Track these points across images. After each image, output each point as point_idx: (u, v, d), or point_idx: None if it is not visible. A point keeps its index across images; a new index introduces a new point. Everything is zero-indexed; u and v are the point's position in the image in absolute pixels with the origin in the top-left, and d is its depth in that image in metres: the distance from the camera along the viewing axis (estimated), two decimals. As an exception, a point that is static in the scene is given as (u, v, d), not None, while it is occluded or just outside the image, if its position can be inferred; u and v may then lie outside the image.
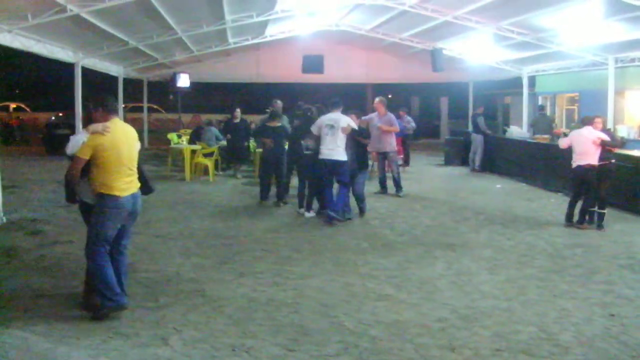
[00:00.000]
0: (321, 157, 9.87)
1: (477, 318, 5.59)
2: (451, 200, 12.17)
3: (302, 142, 10.55)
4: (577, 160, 9.50)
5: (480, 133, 17.24)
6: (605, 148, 9.38)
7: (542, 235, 9.06)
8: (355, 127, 9.97)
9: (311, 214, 10.39)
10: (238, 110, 15.25)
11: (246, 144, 15.42)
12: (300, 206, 10.59)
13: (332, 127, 9.76)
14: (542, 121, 17.48)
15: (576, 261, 7.64)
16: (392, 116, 12.60)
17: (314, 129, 10.02)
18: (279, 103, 13.48)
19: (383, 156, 12.82)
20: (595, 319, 5.57)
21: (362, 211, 10.40)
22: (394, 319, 5.55)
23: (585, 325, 5.43)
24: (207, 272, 7.01)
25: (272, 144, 11.20)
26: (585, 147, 9.40)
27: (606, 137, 9.36)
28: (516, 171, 15.57)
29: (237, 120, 15.19)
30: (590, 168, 9.35)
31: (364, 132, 10.47)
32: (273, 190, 11.72)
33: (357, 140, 10.09)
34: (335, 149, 9.78)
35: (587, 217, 9.55)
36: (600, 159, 9.38)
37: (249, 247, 8.21)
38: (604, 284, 6.66)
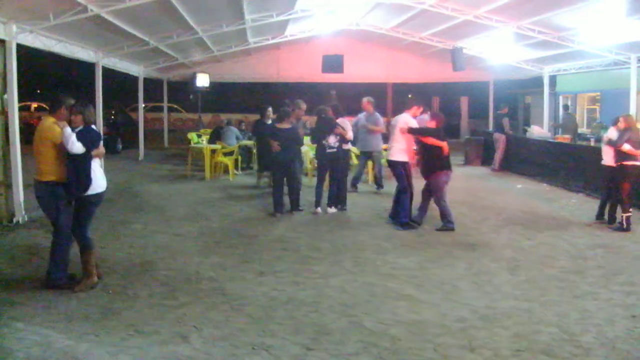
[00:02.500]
0: None
1: (497, 318, 5.55)
2: (471, 200, 12.07)
3: (323, 142, 10.49)
4: (603, 161, 9.77)
5: (503, 133, 17.13)
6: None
7: (563, 236, 8.98)
8: (412, 125, 9.74)
9: (333, 209, 10.56)
10: (270, 109, 13.47)
11: None
12: (317, 206, 10.58)
13: (393, 127, 9.87)
14: (569, 121, 17.34)
15: (598, 262, 7.56)
16: (378, 116, 12.73)
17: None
18: (302, 105, 11.84)
19: (367, 156, 12.99)
20: (617, 320, 5.51)
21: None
22: (413, 319, 5.54)
23: (606, 326, 5.37)
24: (227, 271, 7.04)
25: (279, 148, 10.32)
26: (604, 148, 9.73)
27: (613, 137, 9.40)
28: (537, 171, 15.42)
29: (270, 122, 12.88)
30: (610, 169, 9.54)
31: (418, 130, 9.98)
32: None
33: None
34: (390, 148, 9.92)
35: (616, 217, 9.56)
36: (616, 159, 9.34)
37: (269, 247, 8.23)
38: (626, 285, 6.59)
